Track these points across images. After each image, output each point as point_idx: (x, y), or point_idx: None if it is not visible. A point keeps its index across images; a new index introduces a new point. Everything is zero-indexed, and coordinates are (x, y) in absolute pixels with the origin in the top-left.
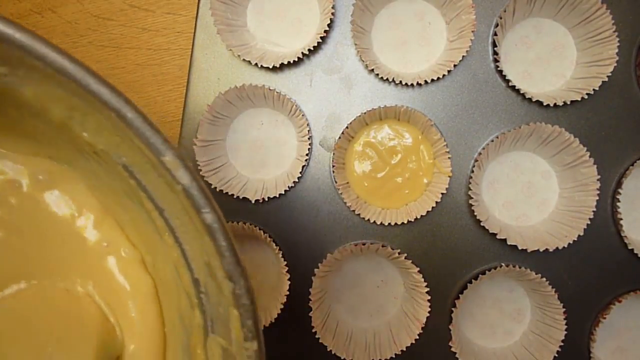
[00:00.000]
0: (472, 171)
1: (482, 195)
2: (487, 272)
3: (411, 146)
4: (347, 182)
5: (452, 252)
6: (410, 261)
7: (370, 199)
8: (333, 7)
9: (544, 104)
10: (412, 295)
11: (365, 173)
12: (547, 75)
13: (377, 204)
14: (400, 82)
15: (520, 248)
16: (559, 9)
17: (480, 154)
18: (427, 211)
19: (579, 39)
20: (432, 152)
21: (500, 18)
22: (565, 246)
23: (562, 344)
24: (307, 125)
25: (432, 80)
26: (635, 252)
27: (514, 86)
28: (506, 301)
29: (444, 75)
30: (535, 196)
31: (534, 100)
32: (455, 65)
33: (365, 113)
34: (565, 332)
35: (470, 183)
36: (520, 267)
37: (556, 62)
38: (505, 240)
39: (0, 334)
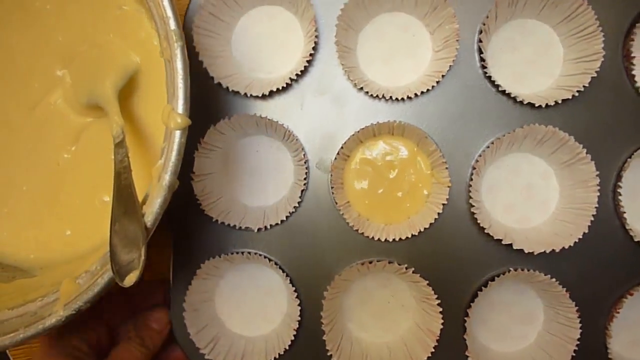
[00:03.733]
0: (471, 179)
1: (483, 201)
2: (496, 278)
3: (408, 159)
4: (348, 201)
5: (459, 261)
6: (419, 275)
7: (372, 215)
8: (316, 30)
9: (536, 105)
10: (424, 308)
11: (364, 190)
12: (537, 74)
13: (379, 220)
14: (391, 97)
15: (527, 252)
16: (541, 8)
17: (477, 161)
18: (430, 223)
19: (564, 36)
20: (429, 163)
21: (484, 24)
22: (572, 245)
23: (578, 342)
24: (302, 149)
25: (422, 92)
26: (631, 234)
27: (504, 90)
28: (517, 305)
29: (433, 87)
30: (536, 197)
31: (525, 102)
32: (443, 76)
33: (358, 131)
34: (581, 330)
35: (470, 191)
36: (529, 270)
37: (544, 60)
38: (511, 244)
39: None
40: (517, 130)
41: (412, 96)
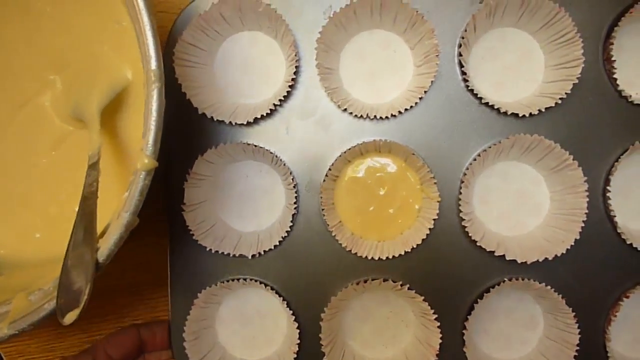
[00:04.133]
0: (460, 192)
1: (475, 211)
2: (491, 289)
3: (397, 175)
4: (340, 221)
5: (454, 274)
6: (414, 291)
7: (365, 233)
8: (296, 55)
9: (520, 115)
10: (423, 322)
11: (356, 209)
12: (520, 82)
13: (373, 237)
14: (375, 116)
15: (520, 262)
16: (519, 17)
17: (465, 174)
18: (422, 239)
19: (544, 42)
20: (418, 178)
21: (463, 38)
22: (564, 252)
23: (578, 347)
24: (290, 173)
25: (406, 109)
26: (634, 245)
27: (488, 102)
28: (517, 311)
29: (416, 103)
30: (528, 202)
31: (509, 113)
32: (426, 91)
33: (345, 152)
34: (580, 335)
35: (459, 205)
36: (523, 279)
37: (525, 67)
38: (504, 255)
39: None
40: (502, 141)
41: (397, 114)
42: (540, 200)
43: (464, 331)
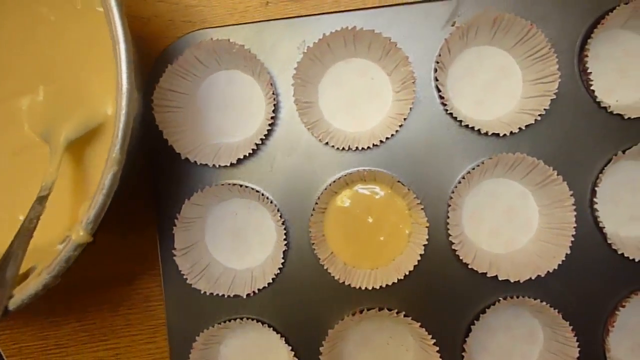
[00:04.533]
0: (448, 216)
1: (465, 231)
2: (487, 309)
3: (384, 202)
4: (332, 252)
5: (449, 297)
6: (411, 317)
7: (357, 263)
8: (274, 93)
9: (501, 134)
10: (422, 346)
11: (346, 239)
12: (499, 98)
13: (365, 266)
14: (357, 147)
15: (512, 281)
16: (492, 35)
17: (451, 197)
18: (414, 265)
19: (520, 58)
20: (405, 204)
21: (437, 62)
22: (556, 267)
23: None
24: (278, 210)
25: (387, 137)
26: (626, 255)
27: (467, 124)
28: (516, 326)
29: (397, 130)
30: (518, 218)
31: (490, 133)
32: (405, 118)
33: (330, 184)
34: (579, 348)
35: (448, 228)
36: (518, 297)
37: (504, 84)
38: (496, 275)
39: None
40: (485, 161)
41: (378, 143)
42: (530, 215)
43: (463, 353)
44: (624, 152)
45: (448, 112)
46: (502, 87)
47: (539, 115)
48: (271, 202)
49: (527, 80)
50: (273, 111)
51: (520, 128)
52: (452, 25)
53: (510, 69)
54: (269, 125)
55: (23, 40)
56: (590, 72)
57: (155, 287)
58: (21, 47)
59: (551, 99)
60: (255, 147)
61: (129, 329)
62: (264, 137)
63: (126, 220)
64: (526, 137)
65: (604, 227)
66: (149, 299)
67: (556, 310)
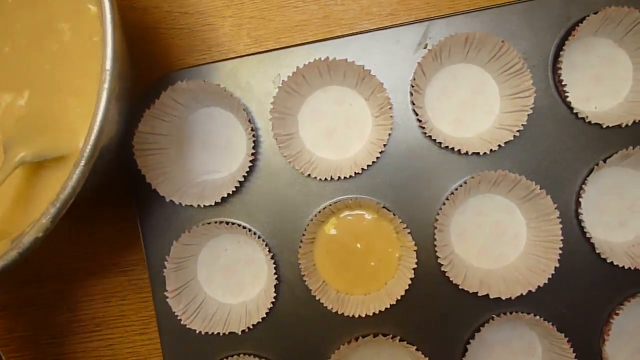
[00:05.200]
0: (435, 237)
1: (455, 250)
2: (481, 327)
3: (371, 227)
4: (323, 282)
5: (443, 319)
6: (406, 341)
7: (350, 290)
8: (253, 129)
9: (481, 153)
10: None
11: (337, 267)
12: (477, 115)
13: (358, 292)
14: (339, 177)
15: (504, 298)
16: (466, 53)
17: (437, 219)
18: (406, 290)
19: (495, 73)
20: (393, 228)
21: (413, 86)
22: (547, 281)
23: None
24: (266, 245)
25: (369, 165)
26: (615, 263)
27: (447, 145)
28: (513, 340)
29: (378, 158)
30: (506, 233)
31: (470, 154)
32: (385, 144)
33: (316, 215)
34: (576, 359)
35: (436, 250)
36: (511, 313)
37: (481, 99)
38: (487, 294)
39: None
40: (468, 180)
41: (360, 171)
42: (518, 230)
43: None
44: (605, 160)
45: (427, 135)
46: (479, 103)
47: (518, 130)
48: (259, 237)
49: (504, 94)
50: (253, 147)
51: (499, 145)
52: (424, 48)
53: (487, 85)
54: (251, 161)
55: (30, 43)
56: (565, 84)
57: (148, 278)
58: (26, 48)
59: (528, 114)
60: (238, 184)
61: (122, 320)
62: (246, 174)
63: (120, 212)
64: (507, 153)
65: (591, 237)
66: (143, 290)
67: (550, 323)
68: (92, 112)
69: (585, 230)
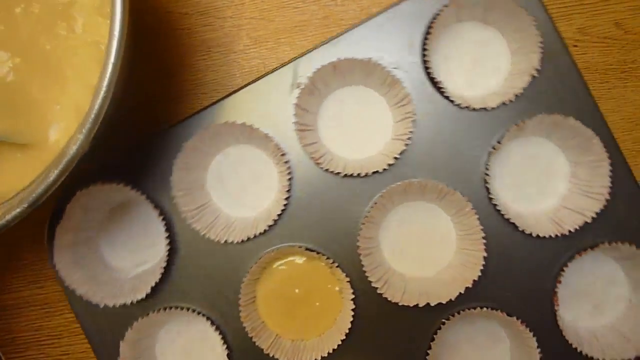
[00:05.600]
0: (362, 264)
1: (392, 266)
2: (434, 337)
3: (306, 269)
4: (276, 335)
5: (397, 340)
6: None
7: (305, 335)
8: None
9: (381, 170)
10: None
11: (286, 318)
12: (370, 132)
13: (313, 335)
14: (255, 235)
15: (445, 302)
16: (343, 78)
17: (358, 245)
18: (351, 321)
19: (375, 88)
20: (324, 264)
21: (298, 125)
22: (480, 274)
23: (540, 348)
24: (208, 319)
25: (279, 214)
26: (541, 235)
27: (346, 174)
28: (476, 335)
29: (285, 205)
30: (435, 235)
31: (370, 174)
32: (288, 191)
33: (247, 274)
34: (535, 337)
35: (367, 276)
36: (459, 312)
37: (370, 116)
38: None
39: None
40: (378, 200)
41: (272, 223)
42: (445, 228)
43: None
44: (499, 141)
45: (324, 169)
46: (370, 121)
47: (408, 138)
48: (199, 313)
49: (391, 105)
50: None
51: (396, 157)
52: (297, 88)
53: (373, 101)
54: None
55: (43, 15)
56: (438, 81)
57: None
58: (36, 18)
59: (412, 120)
60: (163, 271)
61: None
62: (167, 259)
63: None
64: (406, 162)
65: (509, 217)
66: None
67: (499, 311)
68: (68, 112)
69: (501, 212)
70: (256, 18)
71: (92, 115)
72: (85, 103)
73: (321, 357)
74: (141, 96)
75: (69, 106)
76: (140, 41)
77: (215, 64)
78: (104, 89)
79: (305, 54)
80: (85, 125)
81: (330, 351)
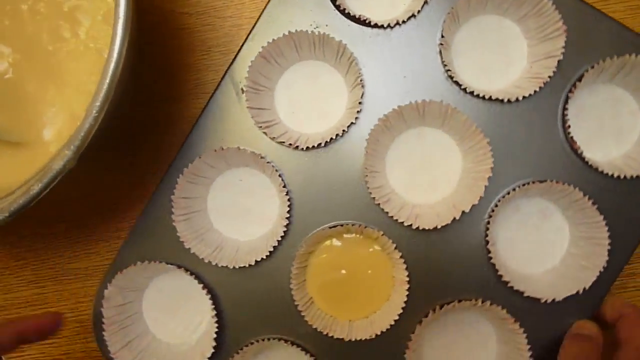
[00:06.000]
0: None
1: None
2: (412, 340)
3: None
4: (331, 316)
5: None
6: None
7: (354, 314)
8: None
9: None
10: None
11: (336, 303)
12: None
13: (364, 313)
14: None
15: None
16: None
17: (373, 197)
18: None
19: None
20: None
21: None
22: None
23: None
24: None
25: None
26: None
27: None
28: (467, 330)
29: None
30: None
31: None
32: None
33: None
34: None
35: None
36: (426, 317)
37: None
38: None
39: None
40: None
41: None
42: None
43: None
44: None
45: (302, 149)
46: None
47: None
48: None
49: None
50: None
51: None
52: (242, 93)
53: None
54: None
55: (48, 15)
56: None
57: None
58: (42, 17)
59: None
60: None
61: None
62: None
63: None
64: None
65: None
66: None
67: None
68: (63, 116)
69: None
70: (256, 18)
71: (82, 133)
72: (81, 110)
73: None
74: (141, 96)
75: (65, 110)
76: (141, 42)
77: (215, 64)
78: (94, 111)
79: (234, 59)
80: (74, 142)
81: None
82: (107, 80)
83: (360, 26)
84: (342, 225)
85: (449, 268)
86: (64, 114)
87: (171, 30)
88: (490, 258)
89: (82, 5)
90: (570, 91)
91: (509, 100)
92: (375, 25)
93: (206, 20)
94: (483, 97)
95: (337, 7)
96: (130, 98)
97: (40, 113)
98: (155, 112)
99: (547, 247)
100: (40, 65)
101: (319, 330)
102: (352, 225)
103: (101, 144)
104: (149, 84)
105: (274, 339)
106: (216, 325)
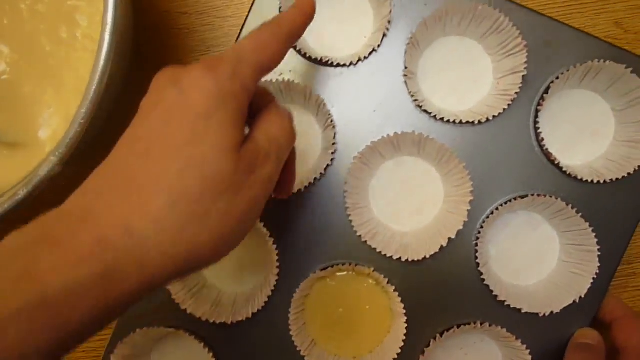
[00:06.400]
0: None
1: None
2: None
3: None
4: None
5: None
6: None
7: (358, 352)
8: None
9: None
10: None
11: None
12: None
13: (369, 346)
14: None
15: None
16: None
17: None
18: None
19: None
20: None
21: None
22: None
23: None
24: None
25: None
26: None
27: None
28: (472, 349)
29: None
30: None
31: None
32: None
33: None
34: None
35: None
36: (428, 347)
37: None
38: None
39: None
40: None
41: None
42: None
43: None
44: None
45: None
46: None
47: None
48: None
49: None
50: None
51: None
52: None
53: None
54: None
55: (47, 15)
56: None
57: None
58: (40, 17)
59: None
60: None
61: None
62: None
63: None
64: None
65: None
66: None
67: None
68: (59, 118)
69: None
70: None
71: (67, 140)
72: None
73: None
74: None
75: (61, 111)
76: (139, 41)
77: None
78: (80, 118)
79: None
80: (59, 149)
81: None
82: (93, 87)
83: (325, 67)
84: (332, 267)
85: (444, 294)
86: (60, 115)
87: (170, 30)
88: (483, 280)
89: (81, 6)
90: (539, 104)
91: (479, 122)
92: (339, 65)
93: (206, 20)
94: (454, 122)
95: (299, 52)
96: (128, 99)
97: (37, 114)
98: None
99: (539, 257)
100: (38, 66)
101: None
102: (343, 264)
103: (101, 145)
104: (148, 83)
105: None
106: None
